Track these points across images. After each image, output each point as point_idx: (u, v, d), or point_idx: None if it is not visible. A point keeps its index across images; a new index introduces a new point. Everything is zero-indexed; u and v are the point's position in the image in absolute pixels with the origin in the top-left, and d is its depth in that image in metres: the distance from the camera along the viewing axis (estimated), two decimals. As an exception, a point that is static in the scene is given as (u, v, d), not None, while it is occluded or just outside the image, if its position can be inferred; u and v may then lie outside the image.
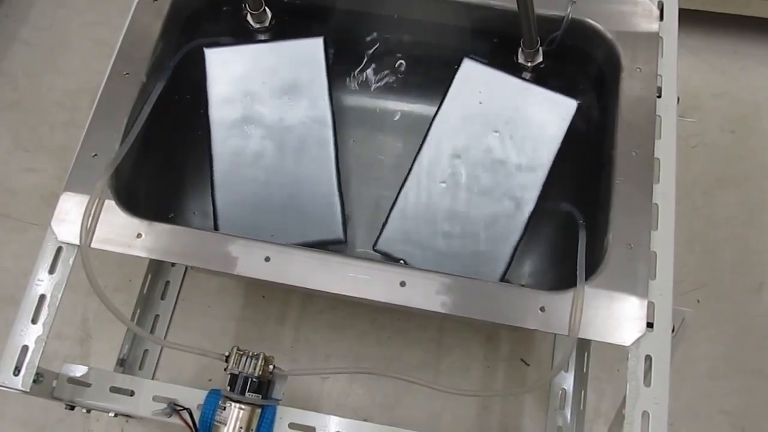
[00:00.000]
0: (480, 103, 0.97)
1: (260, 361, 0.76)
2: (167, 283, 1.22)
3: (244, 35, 1.02)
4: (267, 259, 0.81)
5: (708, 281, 1.24)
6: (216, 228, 0.95)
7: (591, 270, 0.82)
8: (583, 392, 1.08)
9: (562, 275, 0.97)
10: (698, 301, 1.22)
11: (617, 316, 0.79)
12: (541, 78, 1.00)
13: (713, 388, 1.17)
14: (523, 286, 0.99)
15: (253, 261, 0.81)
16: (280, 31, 1.02)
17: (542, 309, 0.79)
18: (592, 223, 0.88)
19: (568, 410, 1.12)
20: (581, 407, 1.08)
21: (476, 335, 1.19)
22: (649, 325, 0.79)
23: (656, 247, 0.83)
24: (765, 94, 1.41)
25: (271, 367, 0.77)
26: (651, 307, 0.80)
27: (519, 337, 1.19)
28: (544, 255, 1.04)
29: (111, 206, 0.84)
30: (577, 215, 0.90)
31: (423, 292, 0.79)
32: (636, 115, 0.89)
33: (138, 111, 0.91)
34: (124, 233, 0.83)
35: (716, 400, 1.16)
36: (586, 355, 1.11)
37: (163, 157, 1.02)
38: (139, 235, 0.83)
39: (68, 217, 0.83)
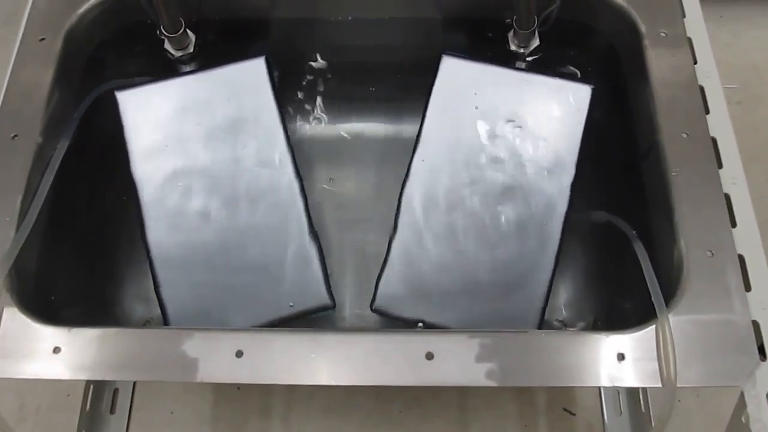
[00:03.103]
0: (476, 108, 0.77)
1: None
2: (115, 391, 0.97)
3: (164, 68, 0.81)
4: (239, 353, 0.59)
5: None
6: (165, 321, 0.72)
7: (665, 292, 0.62)
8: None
9: (610, 299, 0.78)
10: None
11: (717, 348, 0.59)
12: (540, 65, 0.81)
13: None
14: (583, 329, 0.78)
15: (220, 359, 0.59)
16: (208, 57, 0.82)
17: (621, 357, 0.59)
18: (647, 231, 0.69)
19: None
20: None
21: (504, 389, 0.98)
22: (761, 350, 0.59)
23: (742, 249, 0.63)
24: (762, 56, 1.26)
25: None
26: (756, 327, 0.60)
27: (554, 382, 0.98)
28: (579, 277, 0.84)
29: (13, 315, 0.61)
30: (623, 225, 0.70)
31: (459, 364, 0.58)
32: (674, 89, 0.71)
33: (36, 183, 0.69)
34: (34, 349, 0.60)
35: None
36: (641, 391, 0.91)
37: (82, 236, 0.79)
38: (56, 349, 0.60)
39: (-50, 340, 0.60)
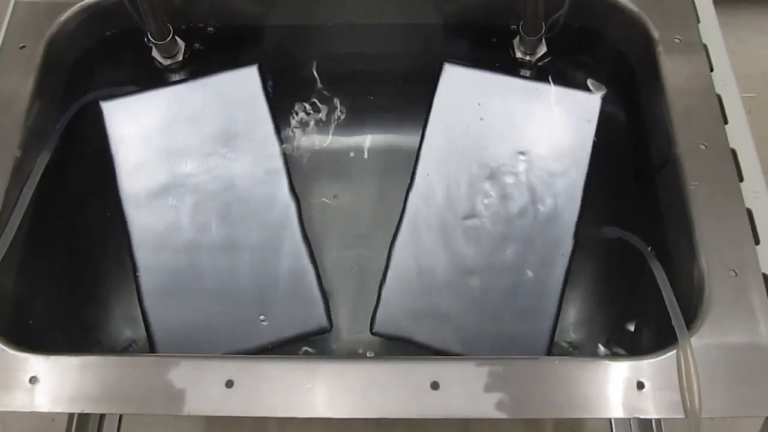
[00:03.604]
0: (481, 119, 0.73)
1: None
2: (102, 417, 0.92)
3: (152, 77, 0.77)
4: (229, 383, 0.54)
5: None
6: (151, 344, 0.67)
7: (685, 314, 0.58)
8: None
9: (623, 320, 0.73)
10: None
11: (743, 375, 0.55)
12: (547, 74, 0.77)
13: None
14: (594, 351, 0.73)
15: (208, 390, 0.54)
16: (198, 66, 0.77)
17: (640, 385, 0.55)
18: (663, 248, 0.65)
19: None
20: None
21: (509, 412, 0.94)
22: (790, 378, 0.55)
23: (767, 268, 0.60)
24: (769, 63, 1.23)
25: None
26: (785, 353, 0.56)
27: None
28: (589, 296, 0.80)
29: (-14, 341, 0.57)
30: (637, 242, 0.66)
31: (466, 394, 0.54)
32: (690, 97, 0.67)
33: (14, 198, 0.65)
34: (9, 378, 0.56)
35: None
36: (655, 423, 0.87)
37: (64, 254, 0.74)
38: (33, 379, 0.56)
39: None
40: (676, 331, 0.56)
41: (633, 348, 0.68)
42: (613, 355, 0.70)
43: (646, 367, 0.55)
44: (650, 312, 0.65)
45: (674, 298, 0.59)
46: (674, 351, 0.56)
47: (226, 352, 0.67)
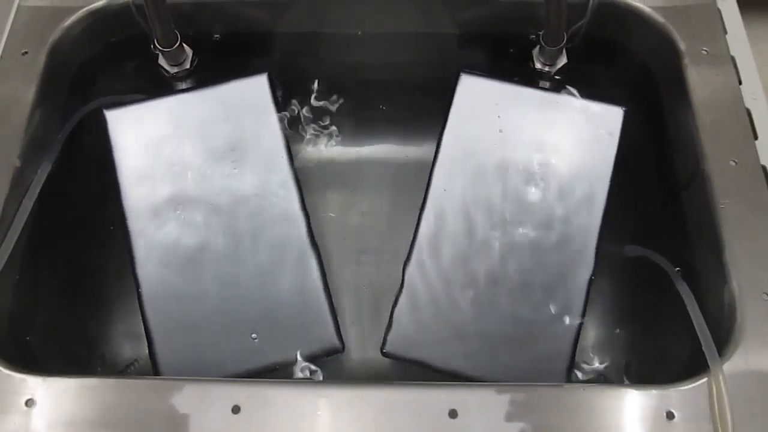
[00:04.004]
0: (500, 131, 0.70)
1: None
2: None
3: (158, 85, 0.74)
4: (235, 409, 0.52)
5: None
6: (154, 363, 0.64)
7: (716, 340, 0.55)
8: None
9: (645, 343, 0.70)
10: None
11: (779, 406, 0.52)
12: (566, 86, 0.74)
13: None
14: (615, 374, 0.70)
15: (214, 415, 0.52)
16: (206, 74, 0.75)
17: (669, 415, 0.52)
18: (691, 270, 0.62)
19: None
20: None
21: None
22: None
23: (804, 292, 0.57)
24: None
25: None
26: (824, 382, 0.53)
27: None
28: (609, 316, 0.77)
29: (-20, 360, 0.55)
30: (663, 262, 0.64)
31: (487, 423, 0.51)
32: (718, 111, 0.65)
33: (14, 210, 0.62)
34: (4, 401, 0.53)
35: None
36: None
37: (65, 268, 0.72)
38: (29, 402, 0.53)
39: None
40: (707, 357, 0.53)
41: (657, 374, 0.65)
42: (639, 382, 0.67)
43: (675, 395, 0.52)
44: (677, 336, 0.62)
45: (704, 323, 0.56)
46: (705, 379, 0.53)
47: (232, 372, 0.64)
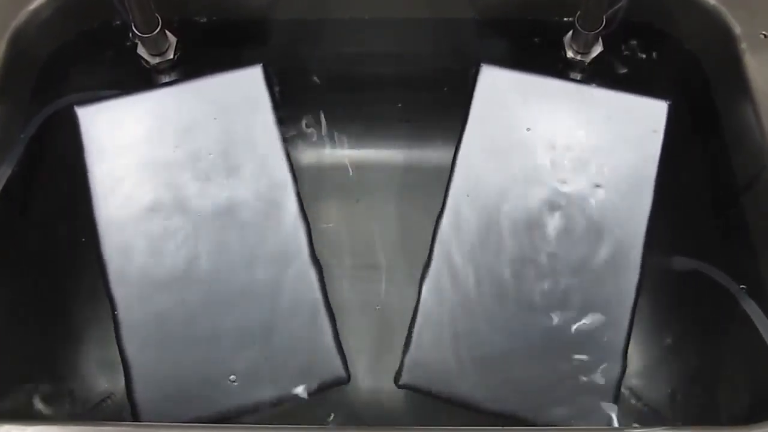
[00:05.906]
0: (528, 129, 0.62)
1: None
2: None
3: (137, 78, 0.66)
4: (226, 463, 0.43)
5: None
6: (131, 401, 0.55)
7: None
8: None
9: (694, 369, 0.62)
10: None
11: None
12: (601, 77, 0.66)
13: None
14: (659, 403, 0.61)
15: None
16: (192, 65, 0.67)
17: (749, 466, 0.43)
18: (756, 285, 0.54)
19: None
20: None
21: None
22: None
23: None
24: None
25: None
26: None
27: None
28: (654, 338, 0.68)
29: None
30: (723, 278, 0.55)
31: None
32: (785, 105, 0.56)
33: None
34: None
35: None
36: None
37: (29, 287, 0.63)
38: (-25, 454, 0.44)
39: None
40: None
41: (704, 398, 0.57)
42: (687, 417, 0.59)
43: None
44: (741, 363, 0.53)
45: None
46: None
47: (223, 410, 0.56)
